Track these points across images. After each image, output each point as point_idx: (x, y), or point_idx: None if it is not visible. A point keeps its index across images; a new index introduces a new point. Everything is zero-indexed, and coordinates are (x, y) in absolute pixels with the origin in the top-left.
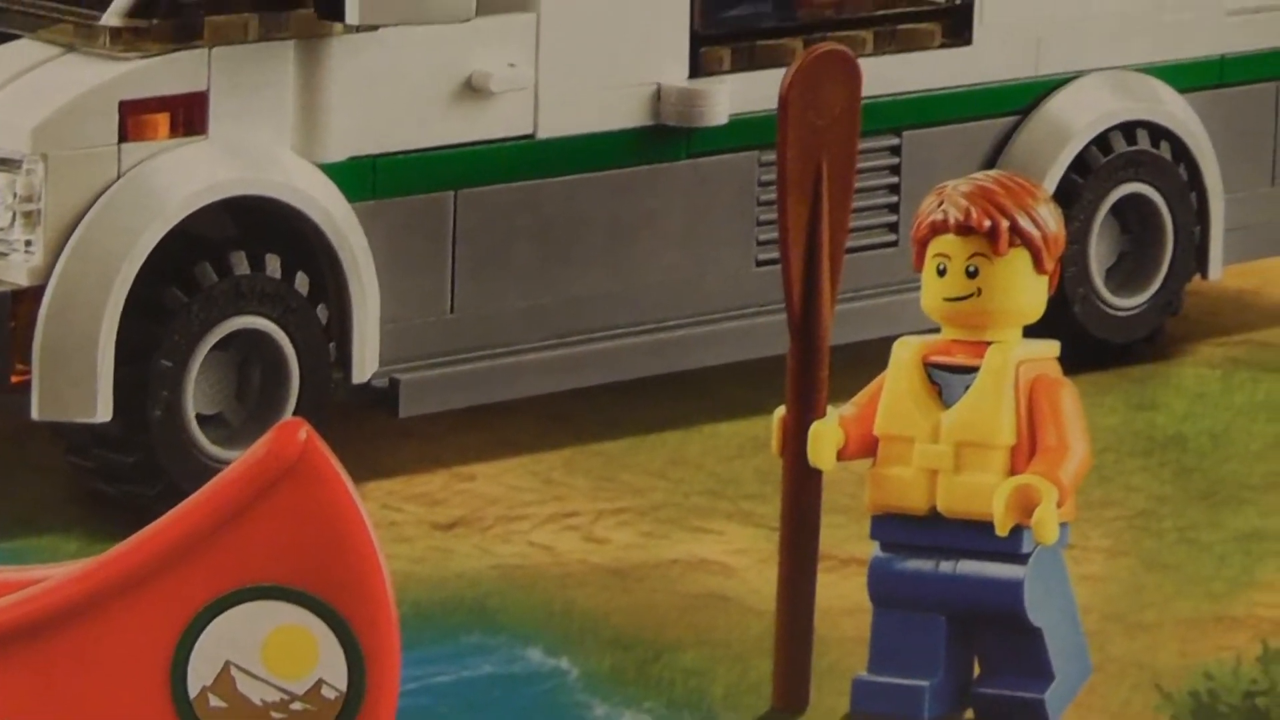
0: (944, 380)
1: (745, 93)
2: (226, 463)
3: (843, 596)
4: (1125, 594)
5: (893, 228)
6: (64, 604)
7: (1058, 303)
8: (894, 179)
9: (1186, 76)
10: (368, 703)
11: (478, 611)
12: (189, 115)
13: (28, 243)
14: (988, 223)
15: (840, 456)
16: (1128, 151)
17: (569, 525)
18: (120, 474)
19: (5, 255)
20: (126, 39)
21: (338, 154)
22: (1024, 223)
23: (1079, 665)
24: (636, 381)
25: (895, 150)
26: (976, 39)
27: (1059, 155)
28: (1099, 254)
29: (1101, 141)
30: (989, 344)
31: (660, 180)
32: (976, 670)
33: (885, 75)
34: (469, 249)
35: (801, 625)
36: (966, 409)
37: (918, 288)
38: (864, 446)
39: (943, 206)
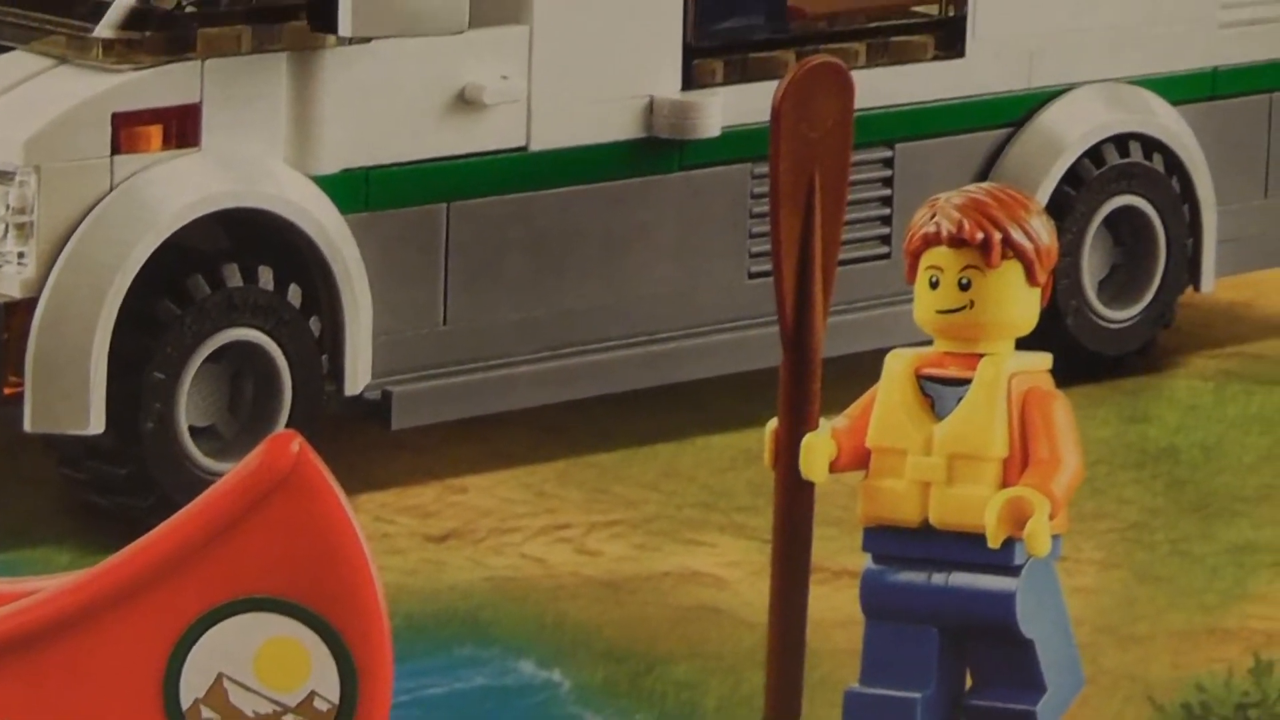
0: (936, 392)
1: (738, 105)
2: (219, 475)
3: (835, 609)
4: (1117, 606)
5: (885, 240)
6: (57, 616)
7: (1050, 315)
8: (887, 191)
9: (1179, 89)
10: (360, 715)
11: (470, 624)
12: (182, 127)
13: (20, 254)
14: (980, 235)
15: (832, 469)
16: (1120, 164)
17: (561, 537)
18: (113, 486)
19: None
20: (119, 51)
21: (330, 166)
22: (1016, 235)
23: (1071, 677)
24: (629, 394)
25: (888, 162)
26: (969, 51)
27: (1052, 167)
28: (1091, 266)
29: (1094, 154)
30: (981, 356)
31: (653, 192)
32: (968, 682)
33: (878, 87)
34: (462, 261)
35: (794, 637)
36: (959, 421)
37: (910, 300)
38: (856, 459)
39: (935, 219)
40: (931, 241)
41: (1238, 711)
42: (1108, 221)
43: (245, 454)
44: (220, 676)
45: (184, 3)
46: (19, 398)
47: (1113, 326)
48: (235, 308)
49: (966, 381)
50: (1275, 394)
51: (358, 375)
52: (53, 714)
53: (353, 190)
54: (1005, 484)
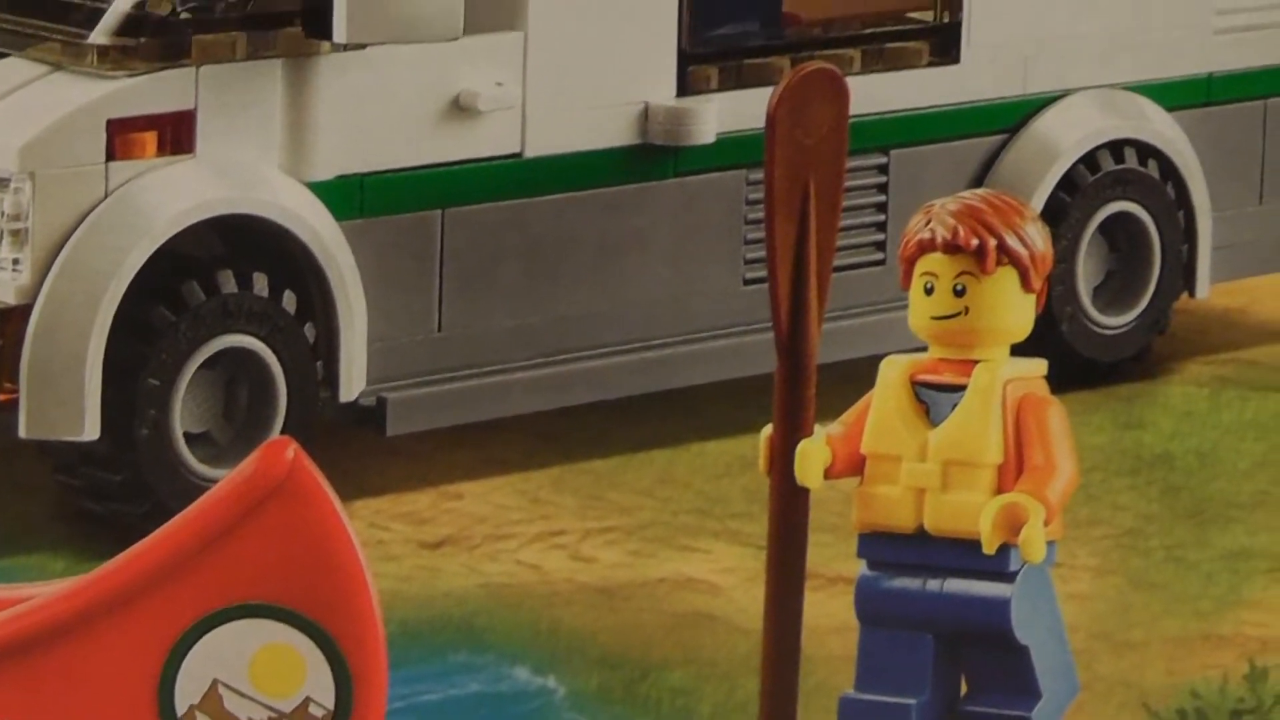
0: (931, 399)
1: (733, 111)
2: (214, 481)
3: (830, 615)
4: (1112, 612)
5: (880, 246)
6: (52, 622)
7: (1045, 321)
8: (882, 198)
9: (1174, 95)
10: None
11: (465, 630)
12: (176, 134)
13: (15, 261)
14: (975, 241)
15: (827, 475)
16: (1115, 170)
17: (556, 544)
18: (108, 492)
19: None
20: (114, 58)
21: (325, 173)
22: (1011, 241)
23: (1066, 684)
24: (624, 400)
25: (883, 169)
26: (964, 58)
27: (1047, 174)
28: (1086, 272)
29: (1089, 160)
30: (976, 363)
31: (648, 199)
32: (964, 689)
33: (873, 94)
34: (456, 268)
35: (788, 644)
36: (954, 427)
37: (905, 306)
38: (851, 465)
39: (930, 225)
40: (926, 248)
41: (1232, 718)
42: (1103, 227)
43: (240, 460)
44: (215, 683)
45: (179, 9)
46: (14, 404)
47: (1108, 333)
48: (230, 314)
49: (961, 388)
50: (1270, 400)
51: (352, 382)
52: None
53: (348, 197)
54: (1000, 490)
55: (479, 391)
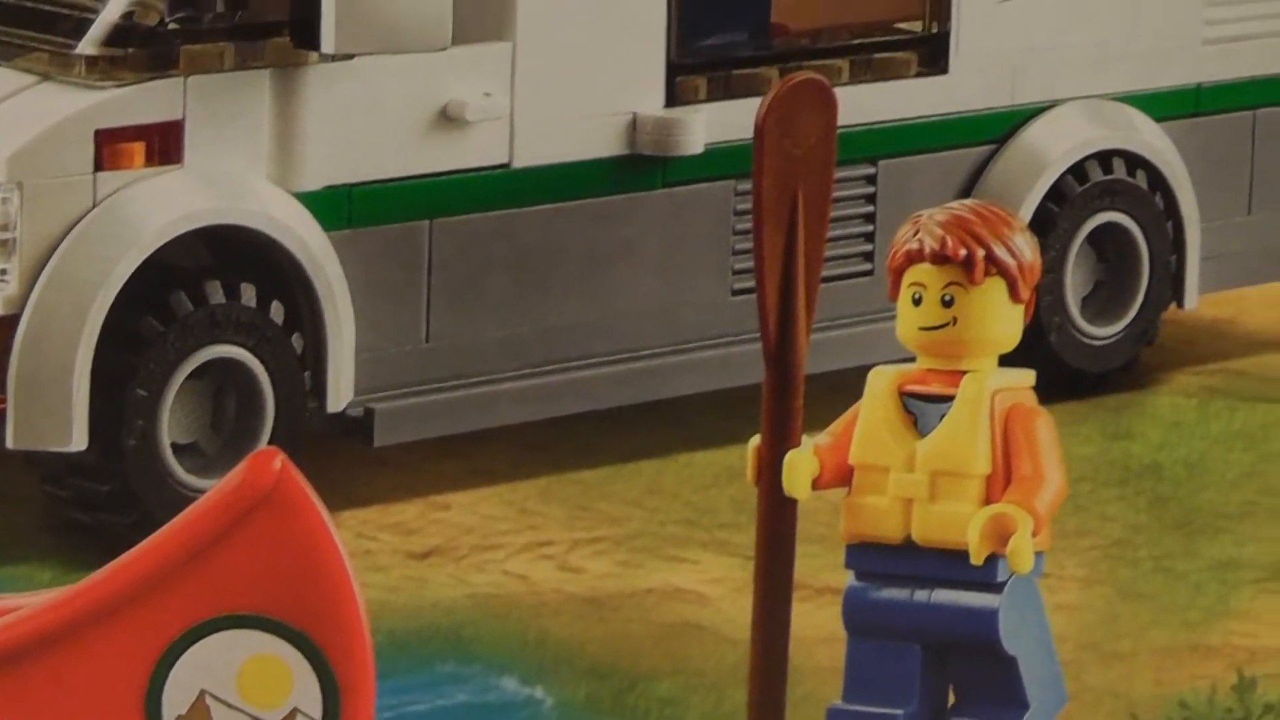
0: (919, 409)
1: (721, 122)
2: (201, 492)
3: (818, 625)
4: (1101, 623)
5: (868, 257)
6: (39, 633)
7: (1033, 332)
8: (870, 208)
9: (1163, 105)
10: None
11: (453, 640)
12: (164, 144)
13: (2, 271)
14: (963, 252)
15: (815, 486)
16: (1104, 180)
17: (544, 554)
18: (95, 503)
19: None
20: (102, 68)
21: (313, 183)
22: (1000, 252)
23: (1054, 694)
24: (612, 410)
25: (871, 179)
26: (952, 68)
27: (1035, 184)
28: (1075, 283)
29: (1078, 170)
30: (964, 373)
31: (636, 209)
32: (951, 699)
33: (861, 104)
34: (444, 278)
35: (776, 654)
36: (942, 438)
37: (893, 317)
38: (839, 475)
39: (918, 235)
40: (914, 258)
41: None
42: (1091, 238)
43: (227, 471)
44: (203, 693)
45: (167, 20)
46: (1, 414)
47: (1096, 343)
48: (218, 325)
49: (949, 398)
50: (1258, 410)
51: (340, 392)
52: None
53: (335, 207)
54: (988, 501)
55: (467, 402)
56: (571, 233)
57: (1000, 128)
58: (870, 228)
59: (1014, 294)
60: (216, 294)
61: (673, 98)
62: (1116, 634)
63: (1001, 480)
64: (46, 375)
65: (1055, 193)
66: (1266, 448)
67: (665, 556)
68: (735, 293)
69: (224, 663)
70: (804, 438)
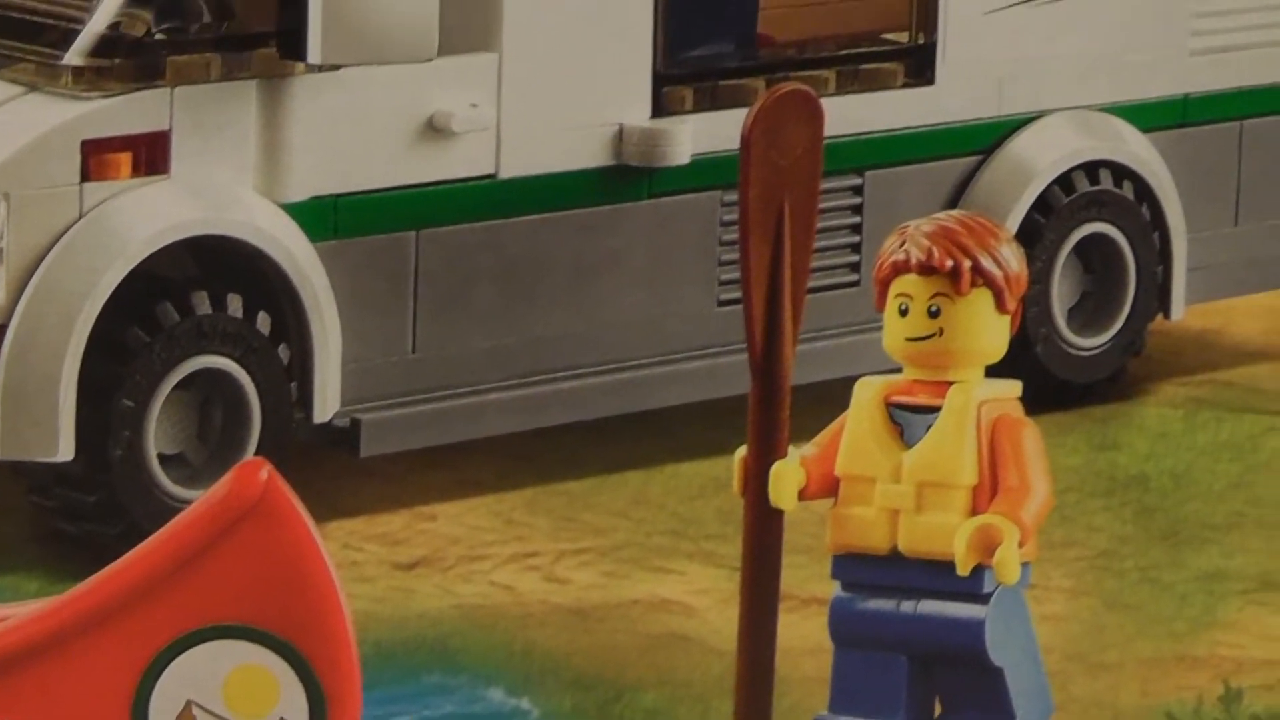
0: (906, 420)
1: (707, 132)
2: (188, 502)
3: (804, 636)
4: (1087, 634)
5: (855, 268)
6: (26, 643)
7: (1020, 343)
8: (856, 219)
9: (1149, 116)
10: None
11: (439, 651)
12: (151, 155)
13: None
14: (950, 263)
15: (802, 496)
16: (1090, 191)
17: (530, 565)
18: (82, 513)
19: None
20: (89, 78)
21: (299, 194)
22: (986, 263)
23: (1041, 705)
24: (598, 421)
25: (858, 190)
26: (939, 79)
27: (1021, 195)
28: (1061, 294)
29: (1064, 181)
30: (951, 384)
31: (622, 220)
32: (938, 710)
33: (848, 115)
34: (431, 289)
35: (763, 665)
36: (928, 449)
37: (879, 328)
38: (825, 486)
39: (905, 246)
40: (901, 269)
41: None
42: (1077, 249)
43: (214, 481)
44: (189, 704)
45: (153, 30)
46: None
47: (1082, 354)
48: (204, 335)
49: (936, 409)
50: (1245, 421)
51: (326, 403)
52: None
53: (322, 218)
54: (974, 511)
55: (453, 413)
56: (558, 243)
57: (987, 138)
58: (857, 238)
59: (1000, 305)
60: (203, 305)
61: (659, 108)
62: (1103, 645)
63: (988, 491)
64: (33, 385)
65: (1042, 203)
66: (1253, 459)
67: (651, 567)
68: (722, 303)
69: (210, 673)
70: (790, 449)
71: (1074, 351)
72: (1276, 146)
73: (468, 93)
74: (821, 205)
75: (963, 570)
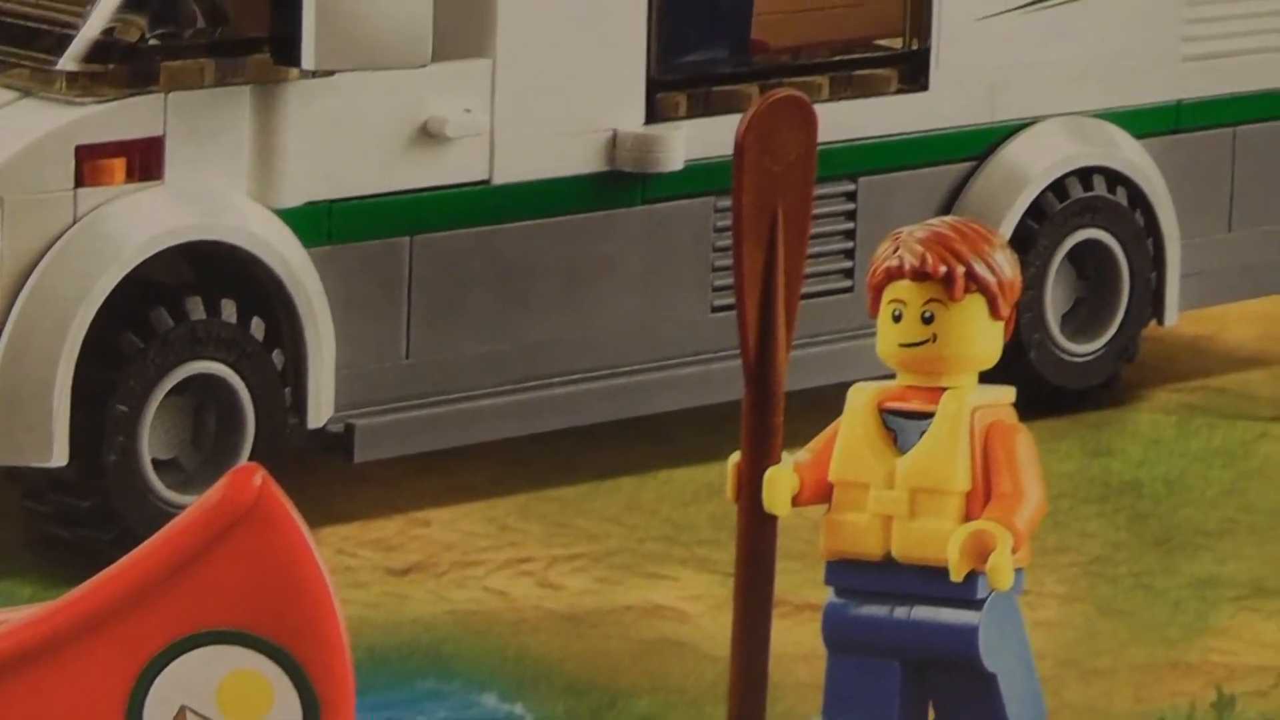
0: (899, 426)
1: (701, 138)
2: (182, 508)
3: (797, 642)
4: (1080, 640)
5: (848, 273)
6: (20, 648)
7: (1013, 349)
8: (850, 225)
9: (1143, 122)
10: None
11: (432, 657)
12: (145, 160)
13: None
14: (943, 269)
15: (795, 502)
16: (1084, 197)
17: (524, 571)
18: (76, 518)
19: None
20: (83, 84)
21: (293, 199)
22: (980, 269)
23: (1034, 711)
24: (592, 427)
25: (851, 196)
26: (933, 85)
27: (1015, 201)
28: (1055, 300)
29: (1058, 187)
30: (944, 390)
31: (616, 226)
32: (931, 715)
33: (841, 121)
34: (425, 294)
35: (756, 671)
36: (921, 455)
37: (873, 333)
38: (819, 492)
39: (898, 252)
40: (894, 275)
41: None
42: (1071, 255)
43: (208, 487)
44: (183, 709)
45: (147, 36)
46: None
47: (1076, 360)
48: (198, 341)
49: (929, 415)
50: (1238, 428)
51: (320, 408)
52: None
53: (315, 223)
54: (968, 518)
55: (447, 418)
56: (551, 249)
57: (980, 144)
58: (850, 244)
59: (994, 311)
60: (197, 310)
61: (653, 114)
62: (1096, 651)
63: (981, 497)
64: (27, 391)
65: (1035, 209)
66: (1246, 465)
67: (645, 573)
68: (715, 309)
69: (204, 678)
70: (784, 454)
71: (1067, 357)
72: (1270, 152)
73: (462, 98)
74: (815, 211)
75: (956, 576)
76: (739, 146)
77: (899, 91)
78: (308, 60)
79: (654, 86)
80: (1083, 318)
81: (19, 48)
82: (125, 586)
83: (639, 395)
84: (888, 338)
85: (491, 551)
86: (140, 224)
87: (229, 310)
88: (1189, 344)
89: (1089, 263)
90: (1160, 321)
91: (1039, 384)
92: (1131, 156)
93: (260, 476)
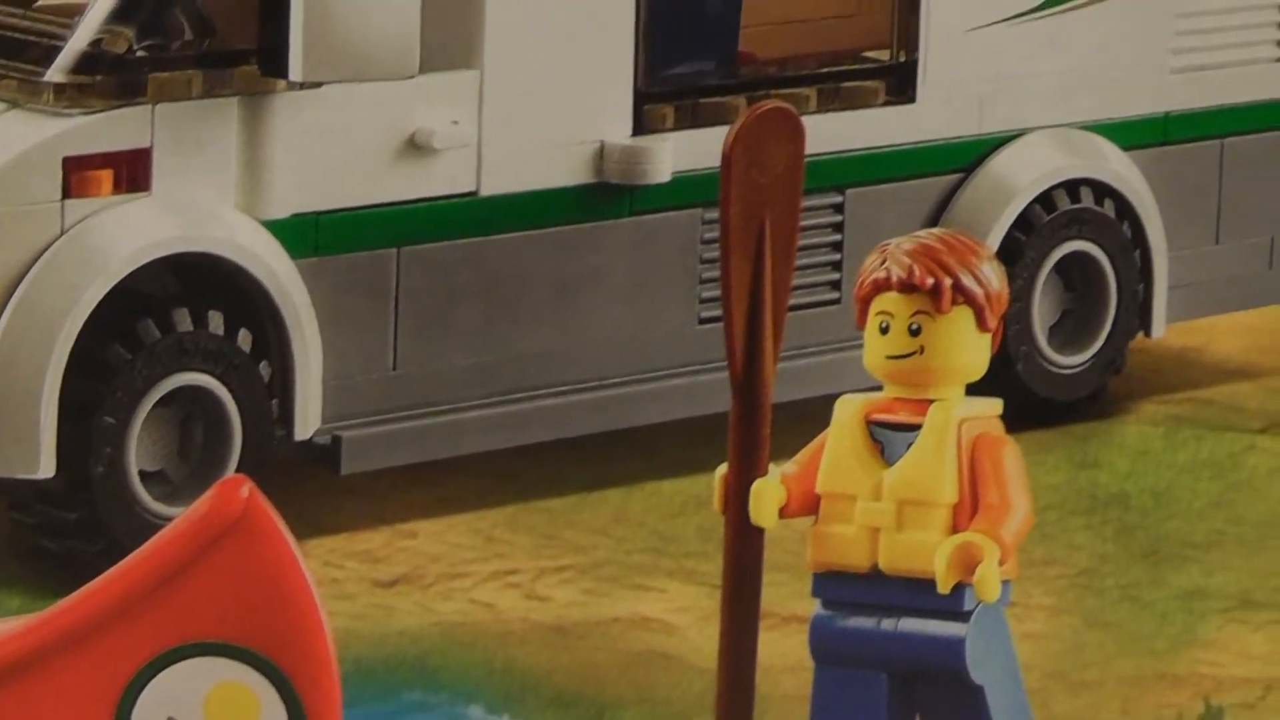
0: (886, 438)
1: (688, 150)
2: (169, 519)
3: (784, 654)
4: (1067, 652)
5: (836, 285)
6: (6, 660)
7: (1001, 361)
8: (837, 237)
9: (1130, 134)
10: None
11: (419, 669)
12: (132, 172)
13: None
14: (930, 280)
15: (782, 514)
16: (1071, 209)
17: (511, 583)
18: (63, 530)
19: None
20: (70, 95)
21: (281, 211)
22: (967, 281)
23: None
24: (580, 438)
25: (838, 208)
26: (920, 97)
27: (1002, 213)
28: (1042, 312)
29: (1045, 199)
30: (931, 402)
31: (603, 238)
32: None
33: (829, 133)
34: (412, 306)
35: (743, 683)
36: (909, 467)
37: (860, 346)
38: (806, 504)
39: (885, 264)
40: (882, 287)
41: None
42: (1058, 267)
43: (195, 499)
44: None
45: (135, 47)
46: None
47: (1063, 372)
48: (185, 352)
49: (916, 427)
50: (1225, 440)
51: (307, 420)
52: None
53: (303, 235)
54: (955, 529)
55: (434, 430)
56: (539, 261)
57: (968, 156)
58: (838, 256)
59: (981, 323)
60: (184, 322)
61: (640, 126)
62: (1083, 663)
63: (968, 509)
64: (14, 402)
65: (1023, 221)
66: (1234, 477)
67: (632, 585)
68: (702, 321)
69: (191, 690)
70: (771, 466)
71: (1055, 369)
72: (1257, 164)
73: (449, 110)
74: (802, 223)
75: (943, 588)
76: (726, 158)
77: (887, 103)
78: (295, 72)
79: (641, 98)
80: (1070, 330)
81: (6, 59)
82: (112, 598)
83: (626, 407)
84: (875, 349)
85: (479, 563)
86: (127, 235)
87: (216, 322)
88: (1176, 356)
89: (1076, 275)
90: (1148, 333)
91: (1026, 396)
92: (1119, 168)
93: (247, 488)
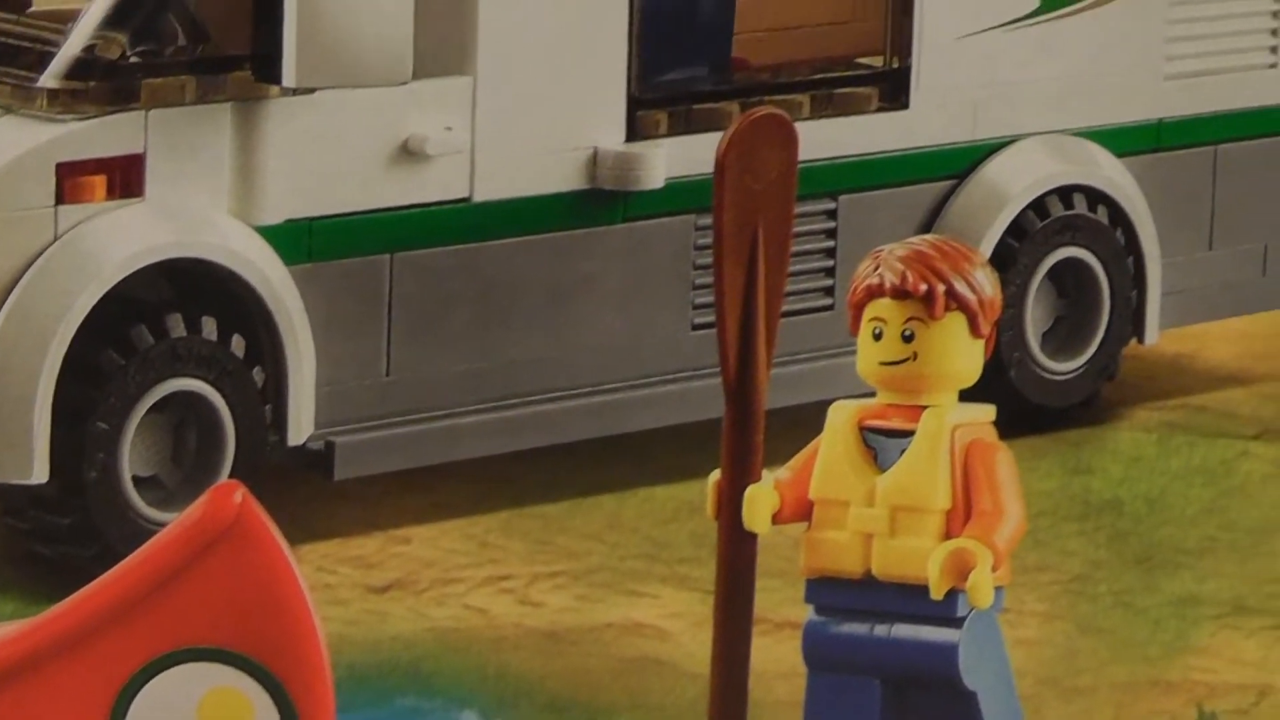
0: (879, 444)
1: (682, 156)
2: (162, 525)
3: (777, 660)
4: (1060, 658)
5: (829, 291)
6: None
7: (994, 367)
8: (830, 243)
9: (1124, 140)
10: None
11: (412, 674)
12: (126, 177)
13: None
14: (924, 287)
15: (775, 520)
16: (1064, 216)
17: (504, 588)
18: (56, 535)
19: None
20: (64, 101)
21: (274, 216)
22: (960, 287)
23: None
24: (573, 444)
25: (832, 214)
26: (913, 103)
27: (996, 219)
28: (1035, 318)
29: (1038, 206)
30: (925, 408)
31: (597, 243)
32: None
33: (822, 139)
34: (405, 312)
35: (736, 689)
36: (902, 473)
37: (853, 352)
38: (799, 510)
39: (879, 270)
40: (875, 293)
41: None
42: (1052, 273)
43: (188, 504)
44: None
45: (128, 53)
46: None
47: (1056, 378)
48: (179, 358)
49: (909, 433)
50: (1218, 446)
51: (301, 426)
52: None
53: (296, 241)
54: (948, 536)
55: (427, 436)
56: (532, 267)
57: (961, 163)
58: (831, 263)
59: (974, 329)
60: (177, 327)
61: (633, 132)
62: (1076, 669)
63: (961, 515)
64: (7, 408)
65: (1016, 228)
66: (1227, 483)
67: (625, 591)
68: (696, 327)
69: (184, 696)
70: (764, 472)
71: (1048, 376)
72: (1250, 171)
73: (442, 116)
74: (795, 229)
75: (936, 594)
76: (720, 164)
77: (880, 110)
78: (288, 78)
79: (635, 104)
80: (1063, 336)
81: None
82: (106, 603)
83: (620, 413)
84: (868, 356)
85: (472, 569)
86: (121, 241)
87: (209, 328)
88: (1169, 362)
89: (1069, 281)
90: (1141, 340)
91: (1019, 402)
92: (1112, 175)
93: (240, 494)
